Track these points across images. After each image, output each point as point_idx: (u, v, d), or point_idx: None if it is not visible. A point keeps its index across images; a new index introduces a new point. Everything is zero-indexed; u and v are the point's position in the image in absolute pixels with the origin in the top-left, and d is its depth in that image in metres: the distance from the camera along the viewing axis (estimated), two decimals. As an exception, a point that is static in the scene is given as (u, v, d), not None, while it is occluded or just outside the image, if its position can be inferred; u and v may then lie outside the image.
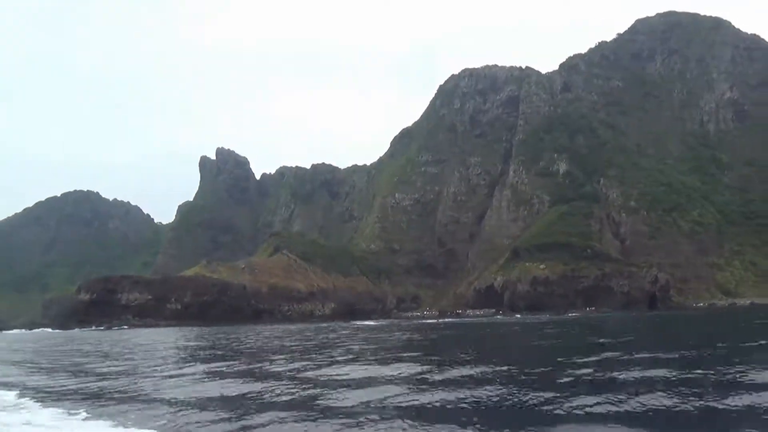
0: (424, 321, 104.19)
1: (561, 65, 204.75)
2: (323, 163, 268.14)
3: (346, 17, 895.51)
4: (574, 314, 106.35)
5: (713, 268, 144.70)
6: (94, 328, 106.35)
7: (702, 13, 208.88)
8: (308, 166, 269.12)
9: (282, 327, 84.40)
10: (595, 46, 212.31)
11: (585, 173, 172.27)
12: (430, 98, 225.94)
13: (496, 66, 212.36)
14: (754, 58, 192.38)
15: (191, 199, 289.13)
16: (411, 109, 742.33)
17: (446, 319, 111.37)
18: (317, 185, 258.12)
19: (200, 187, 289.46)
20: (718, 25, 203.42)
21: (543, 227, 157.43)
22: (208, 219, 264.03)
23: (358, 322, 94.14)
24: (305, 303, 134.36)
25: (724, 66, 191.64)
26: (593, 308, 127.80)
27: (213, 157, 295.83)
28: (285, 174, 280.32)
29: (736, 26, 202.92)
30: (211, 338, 53.26)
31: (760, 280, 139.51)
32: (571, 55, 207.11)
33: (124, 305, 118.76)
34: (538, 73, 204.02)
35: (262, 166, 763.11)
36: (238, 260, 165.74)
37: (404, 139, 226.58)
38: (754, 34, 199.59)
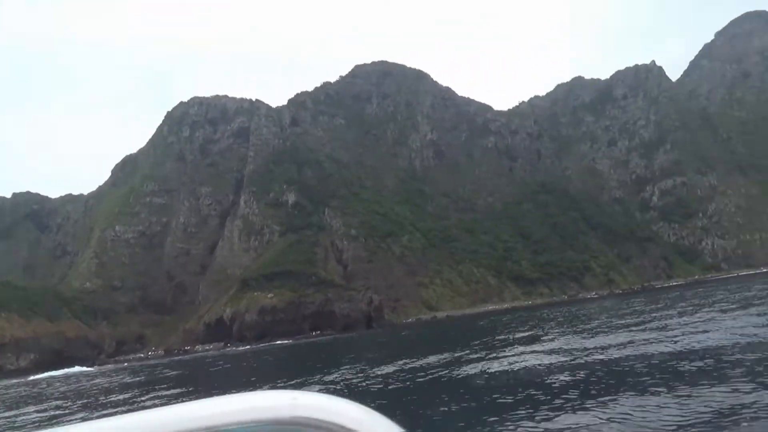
0: (140, 363, 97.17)
1: (290, 101, 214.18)
2: (29, 192, 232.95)
3: (67, 30, 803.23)
4: (280, 342, 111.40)
5: (420, 286, 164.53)
6: None
7: (408, 65, 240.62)
8: (9, 195, 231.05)
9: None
10: (321, 86, 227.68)
11: (312, 204, 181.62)
12: (157, 125, 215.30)
13: (226, 96, 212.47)
14: (447, 106, 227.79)
15: None
16: (134, 136, 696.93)
17: (170, 358, 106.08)
18: (20, 217, 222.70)
19: None
20: (420, 76, 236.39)
21: (273, 257, 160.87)
22: None
23: (54, 372, 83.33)
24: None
25: (426, 111, 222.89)
26: (318, 332, 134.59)
27: None
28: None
29: (435, 79, 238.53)
30: None
31: (454, 295, 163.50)
32: (299, 92, 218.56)
33: None
34: (268, 106, 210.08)
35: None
36: None
37: (127, 166, 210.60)
38: (448, 87, 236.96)
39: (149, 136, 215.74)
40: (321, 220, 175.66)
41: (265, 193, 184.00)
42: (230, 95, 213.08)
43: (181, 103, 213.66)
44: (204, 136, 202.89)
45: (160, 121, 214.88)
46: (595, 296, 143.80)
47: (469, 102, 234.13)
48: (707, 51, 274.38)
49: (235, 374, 37.80)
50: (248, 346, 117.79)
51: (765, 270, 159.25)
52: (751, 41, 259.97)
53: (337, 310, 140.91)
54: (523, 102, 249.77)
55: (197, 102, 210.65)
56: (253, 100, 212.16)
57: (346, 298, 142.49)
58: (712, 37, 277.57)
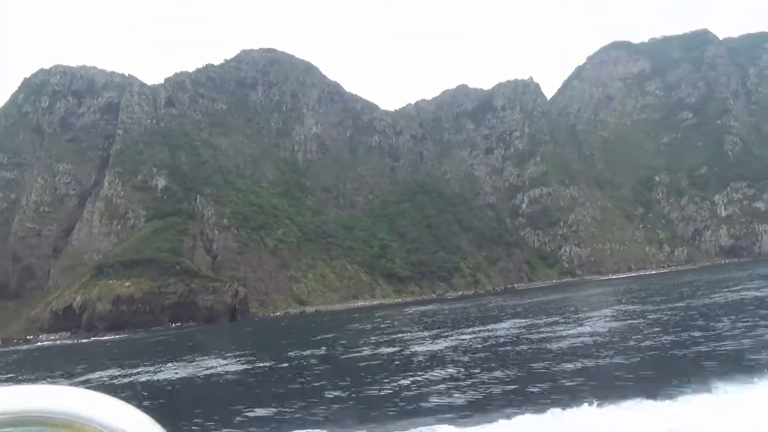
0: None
1: (167, 80, 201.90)
2: None
3: None
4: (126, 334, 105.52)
5: (292, 280, 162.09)
6: None
7: (297, 56, 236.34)
8: None
9: None
10: (203, 67, 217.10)
11: (184, 190, 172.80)
12: (11, 92, 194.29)
13: (95, 68, 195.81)
14: (334, 101, 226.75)
15: None
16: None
17: (7, 348, 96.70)
18: None
19: None
20: (308, 68, 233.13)
21: (135, 243, 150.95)
22: None
23: None
24: None
25: (312, 104, 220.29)
26: (179, 324, 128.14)
27: None
28: None
29: (323, 72, 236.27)
30: None
31: (326, 290, 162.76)
32: (178, 71, 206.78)
33: None
34: (142, 83, 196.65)
35: None
36: None
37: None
38: (336, 82, 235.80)
39: (1, 104, 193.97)
40: (192, 208, 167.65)
41: (132, 175, 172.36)
42: (99, 67, 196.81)
43: (42, 70, 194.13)
44: (66, 109, 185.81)
45: (15, 88, 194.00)
46: (459, 295, 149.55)
47: (356, 99, 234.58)
48: (578, 73, 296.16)
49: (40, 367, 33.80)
50: (99, 337, 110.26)
51: (612, 277, 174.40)
52: (616, 68, 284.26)
53: (200, 301, 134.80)
54: (409, 104, 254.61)
55: (60, 71, 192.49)
56: (126, 75, 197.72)
57: (210, 289, 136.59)
58: (584, 61, 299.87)
